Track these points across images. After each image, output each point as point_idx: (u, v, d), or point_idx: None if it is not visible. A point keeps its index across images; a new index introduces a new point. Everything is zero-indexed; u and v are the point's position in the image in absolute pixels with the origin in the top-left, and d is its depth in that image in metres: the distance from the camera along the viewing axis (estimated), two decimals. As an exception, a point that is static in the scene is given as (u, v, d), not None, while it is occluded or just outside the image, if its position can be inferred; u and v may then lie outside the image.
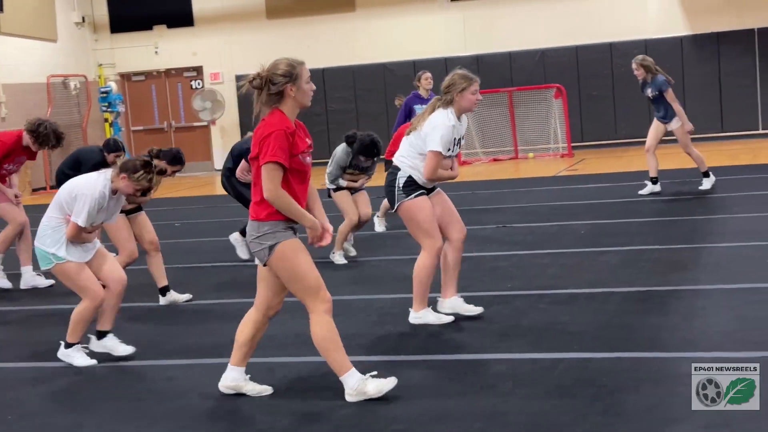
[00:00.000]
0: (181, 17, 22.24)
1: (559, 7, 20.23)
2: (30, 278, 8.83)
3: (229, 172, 9.10)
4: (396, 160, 6.37)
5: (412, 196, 6.22)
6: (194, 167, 22.26)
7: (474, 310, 6.50)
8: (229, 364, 5.16)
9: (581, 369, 5.24)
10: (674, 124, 11.74)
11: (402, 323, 6.53)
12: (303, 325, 6.49)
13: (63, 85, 21.38)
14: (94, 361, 5.99)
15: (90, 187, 6.01)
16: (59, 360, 6.05)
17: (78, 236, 5.96)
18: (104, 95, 21.48)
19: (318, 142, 21.74)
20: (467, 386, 5.07)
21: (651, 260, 8.12)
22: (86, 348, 6.07)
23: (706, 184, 12.11)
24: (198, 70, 22.56)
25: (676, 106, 11.65)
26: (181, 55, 22.43)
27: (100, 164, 9.54)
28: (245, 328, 5.11)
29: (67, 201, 6.02)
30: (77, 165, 9.16)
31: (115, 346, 6.13)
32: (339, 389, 4.95)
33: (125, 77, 23.04)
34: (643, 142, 19.68)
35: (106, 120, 22.00)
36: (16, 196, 8.82)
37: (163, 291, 7.66)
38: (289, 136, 4.77)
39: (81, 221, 5.92)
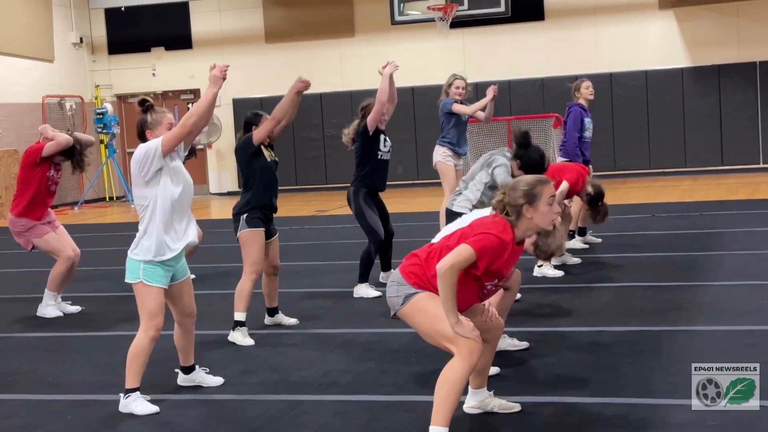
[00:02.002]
0: (180, 40, 22.15)
1: (559, 36, 20.13)
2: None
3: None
4: (458, 207, 5.99)
5: None
6: (189, 190, 22.05)
7: (520, 344, 6.37)
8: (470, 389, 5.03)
9: (566, 415, 5.02)
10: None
11: (384, 360, 6.32)
12: (330, 363, 6.39)
13: (59, 105, 21.26)
14: (156, 408, 5.46)
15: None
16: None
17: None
18: (100, 116, 21.32)
19: (314, 168, 21.81)
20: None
21: (645, 298, 7.90)
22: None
23: None
24: (195, 93, 22.43)
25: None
26: (178, 78, 22.31)
27: None
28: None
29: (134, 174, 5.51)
30: None
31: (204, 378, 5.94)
32: None
33: (122, 99, 22.92)
34: (642, 174, 19.64)
35: (101, 141, 21.84)
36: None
37: (273, 312, 7.61)
38: (502, 249, 4.45)
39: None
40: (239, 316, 7.12)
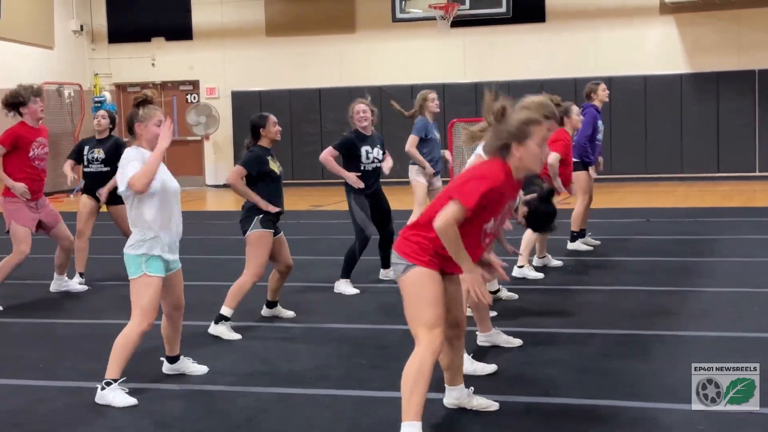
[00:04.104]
0: (180, 30, 22.13)
1: (560, 38, 20.14)
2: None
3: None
4: None
5: None
6: (186, 182, 22.06)
7: (514, 341, 6.41)
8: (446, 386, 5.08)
9: (555, 416, 5.03)
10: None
11: (374, 355, 6.34)
12: (321, 357, 6.39)
13: (57, 92, 21.23)
14: (134, 400, 5.41)
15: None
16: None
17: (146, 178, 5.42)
18: (98, 105, 21.28)
19: (310, 162, 21.83)
20: (433, 429, 4.84)
21: (636, 302, 7.91)
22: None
23: None
24: (194, 84, 22.43)
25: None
26: (178, 69, 22.30)
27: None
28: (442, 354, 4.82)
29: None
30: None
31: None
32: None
33: (121, 88, 22.90)
34: (638, 179, 19.64)
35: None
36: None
37: (271, 304, 7.65)
38: (496, 192, 4.36)
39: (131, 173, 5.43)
40: (227, 311, 7.07)
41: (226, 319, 7.06)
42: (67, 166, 9.52)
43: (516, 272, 8.89)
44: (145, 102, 5.72)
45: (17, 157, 8.39)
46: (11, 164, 8.41)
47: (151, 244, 5.52)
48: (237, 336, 7.00)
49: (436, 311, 4.45)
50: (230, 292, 7.11)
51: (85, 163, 9.40)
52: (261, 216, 7.15)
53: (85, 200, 9.38)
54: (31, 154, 8.42)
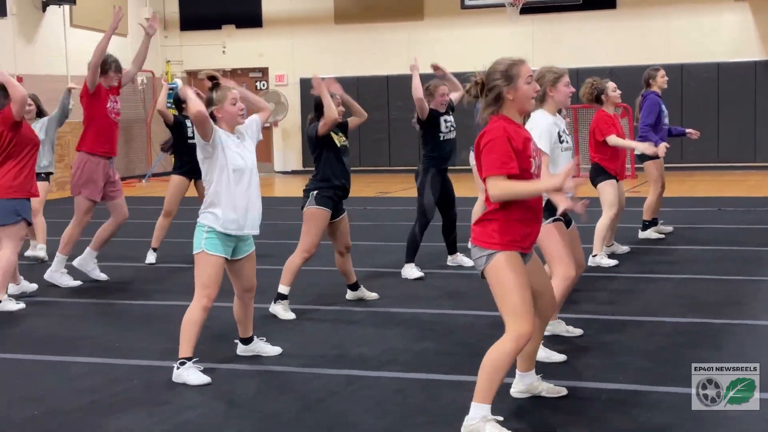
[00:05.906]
0: (250, 18, 22.35)
1: (631, 25, 19.90)
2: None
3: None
4: None
5: (550, 220, 5.83)
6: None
7: (575, 331, 6.38)
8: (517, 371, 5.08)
9: (625, 402, 5.03)
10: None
11: (442, 340, 6.38)
12: (388, 341, 6.48)
13: (130, 79, 21.55)
14: (208, 378, 5.53)
15: None
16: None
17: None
18: (170, 92, 21.59)
19: (378, 150, 21.89)
20: (498, 412, 4.86)
21: (707, 290, 7.84)
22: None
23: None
24: (264, 72, 22.65)
25: None
26: (247, 56, 22.52)
27: None
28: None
29: None
30: None
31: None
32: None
33: (192, 75, 23.18)
34: (710, 168, 19.35)
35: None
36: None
37: (354, 287, 7.73)
38: (509, 140, 4.44)
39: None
40: (282, 289, 7.22)
41: (283, 297, 7.20)
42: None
43: (590, 261, 8.87)
44: (216, 85, 5.78)
45: (96, 106, 8.78)
46: (90, 111, 8.79)
47: (213, 218, 5.60)
48: (291, 315, 7.13)
49: (521, 296, 4.42)
50: (283, 270, 7.27)
51: (190, 134, 9.50)
52: (316, 192, 7.23)
53: (177, 180, 9.76)
54: (108, 105, 8.82)
